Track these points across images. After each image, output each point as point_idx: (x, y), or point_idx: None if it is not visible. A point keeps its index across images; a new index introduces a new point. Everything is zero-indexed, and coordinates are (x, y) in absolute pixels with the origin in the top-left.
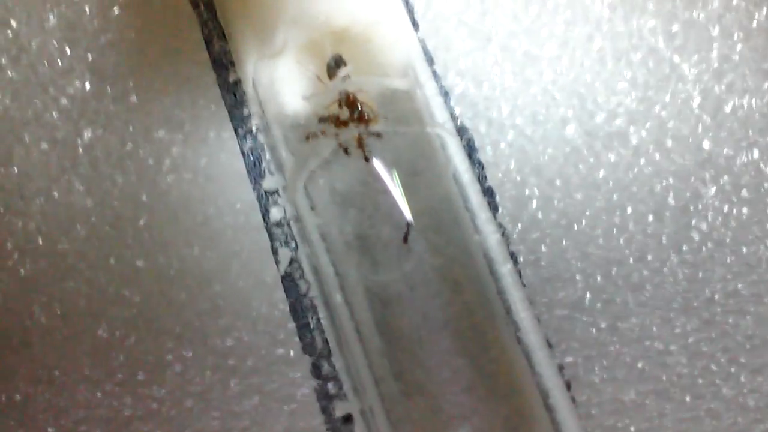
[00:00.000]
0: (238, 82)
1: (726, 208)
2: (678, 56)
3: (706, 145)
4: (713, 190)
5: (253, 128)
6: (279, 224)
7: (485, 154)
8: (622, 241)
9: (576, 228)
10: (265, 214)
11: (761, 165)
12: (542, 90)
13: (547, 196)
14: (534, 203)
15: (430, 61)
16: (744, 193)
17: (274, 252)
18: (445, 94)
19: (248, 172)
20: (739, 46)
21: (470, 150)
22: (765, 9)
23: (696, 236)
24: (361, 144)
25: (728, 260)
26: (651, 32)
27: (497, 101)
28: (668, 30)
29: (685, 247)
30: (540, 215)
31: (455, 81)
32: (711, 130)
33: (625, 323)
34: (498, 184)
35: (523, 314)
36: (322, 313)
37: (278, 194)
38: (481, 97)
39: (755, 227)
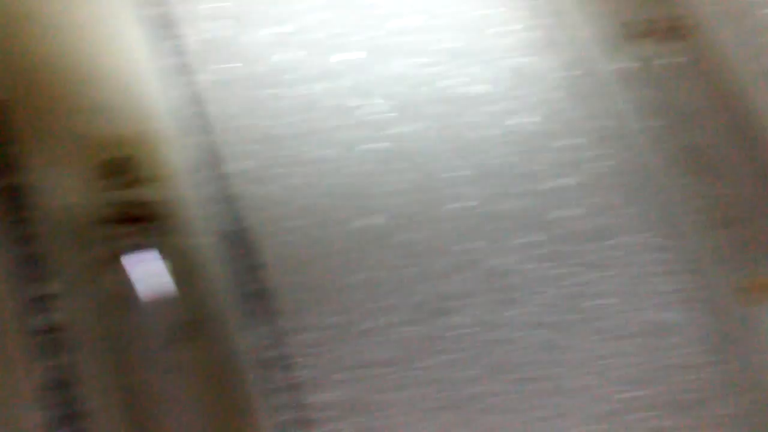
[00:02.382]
0: (18, 187)
1: None
2: None
3: None
4: None
5: (29, 233)
6: (45, 331)
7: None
8: None
9: None
10: (32, 319)
11: None
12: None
13: None
14: None
15: (214, 164)
16: None
17: (35, 360)
18: (227, 198)
19: (18, 276)
20: None
21: (246, 252)
22: None
23: None
24: (137, 249)
25: None
26: None
27: (281, 203)
28: None
29: None
30: None
31: (239, 183)
32: None
33: None
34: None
35: None
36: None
37: (51, 299)
38: (265, 199)
39: None
